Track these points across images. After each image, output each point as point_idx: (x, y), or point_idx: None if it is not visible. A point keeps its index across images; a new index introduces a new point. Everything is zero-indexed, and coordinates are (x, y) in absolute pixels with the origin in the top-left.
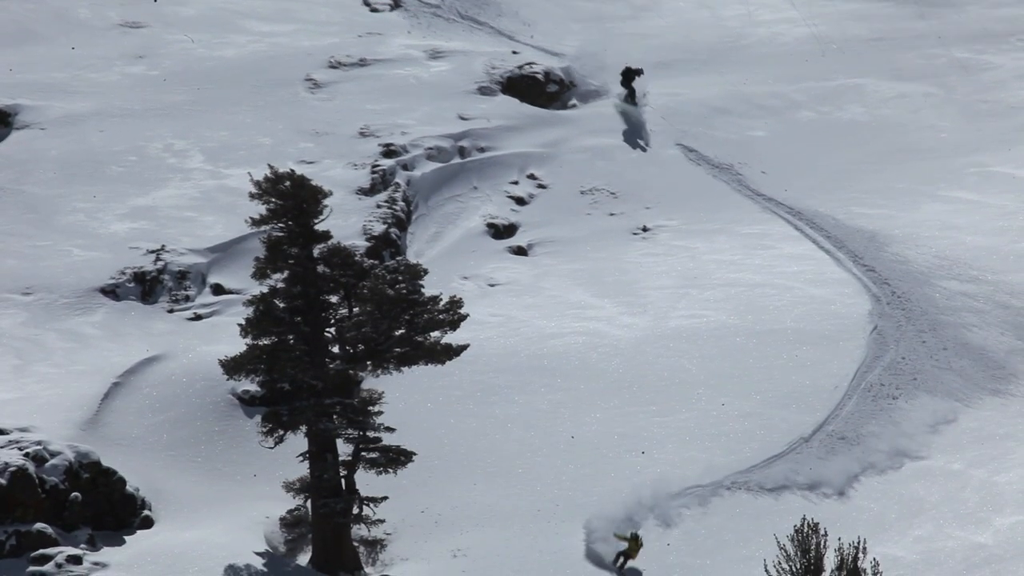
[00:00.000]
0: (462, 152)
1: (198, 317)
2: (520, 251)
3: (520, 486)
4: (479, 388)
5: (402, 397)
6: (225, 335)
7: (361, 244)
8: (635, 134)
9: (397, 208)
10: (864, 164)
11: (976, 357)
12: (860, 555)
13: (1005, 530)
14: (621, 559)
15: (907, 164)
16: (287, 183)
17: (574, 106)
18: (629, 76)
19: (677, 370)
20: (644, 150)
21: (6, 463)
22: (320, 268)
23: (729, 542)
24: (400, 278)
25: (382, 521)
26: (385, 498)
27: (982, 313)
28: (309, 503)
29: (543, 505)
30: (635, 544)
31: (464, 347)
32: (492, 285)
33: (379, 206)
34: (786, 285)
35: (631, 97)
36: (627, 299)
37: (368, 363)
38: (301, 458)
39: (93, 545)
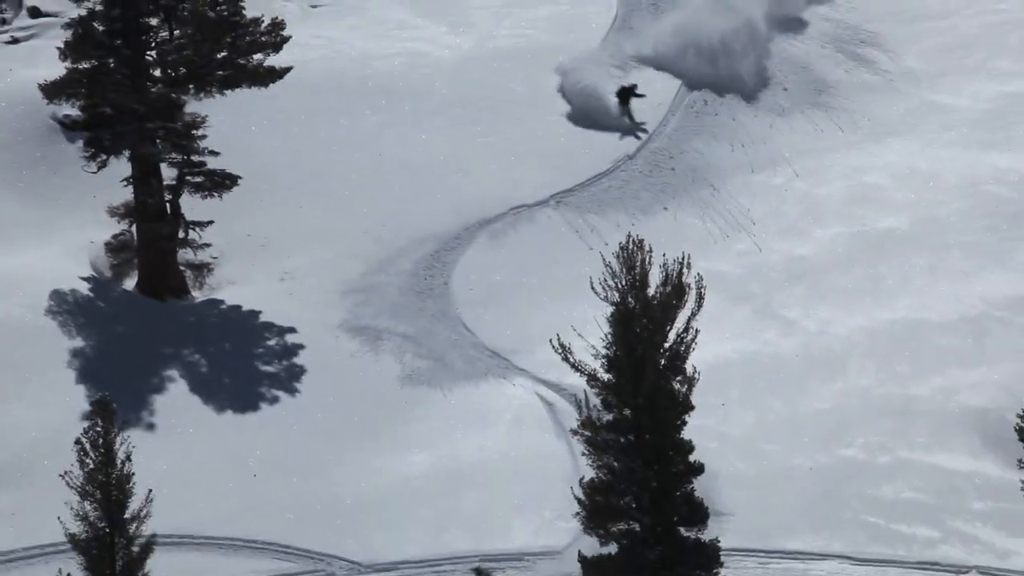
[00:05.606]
0: None
1: (15, 41)
2: None
3: (346, 208)
4: (303, 111)
5: (226, 120)
6: (44, 59)
7: None
8: None
9: None
10: None
11: (799, 71)
12: (685, 270)
13: (825, 242)
14: None
15: None
16: None
17: None
18: (625, 97)
19: (502, 90)
20: None
21: None
22: None
23: (557, 260)
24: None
25: (208, 245)
26: (211, 222)
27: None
28: (134, 228)
29: (369, 226)
30: None
31: (287, 69)
32: (314, 6)
33: None
34: None
35: (630, 117)
36: (450, 19)
37: (191, 86)
38: (125, 183)
39: None
